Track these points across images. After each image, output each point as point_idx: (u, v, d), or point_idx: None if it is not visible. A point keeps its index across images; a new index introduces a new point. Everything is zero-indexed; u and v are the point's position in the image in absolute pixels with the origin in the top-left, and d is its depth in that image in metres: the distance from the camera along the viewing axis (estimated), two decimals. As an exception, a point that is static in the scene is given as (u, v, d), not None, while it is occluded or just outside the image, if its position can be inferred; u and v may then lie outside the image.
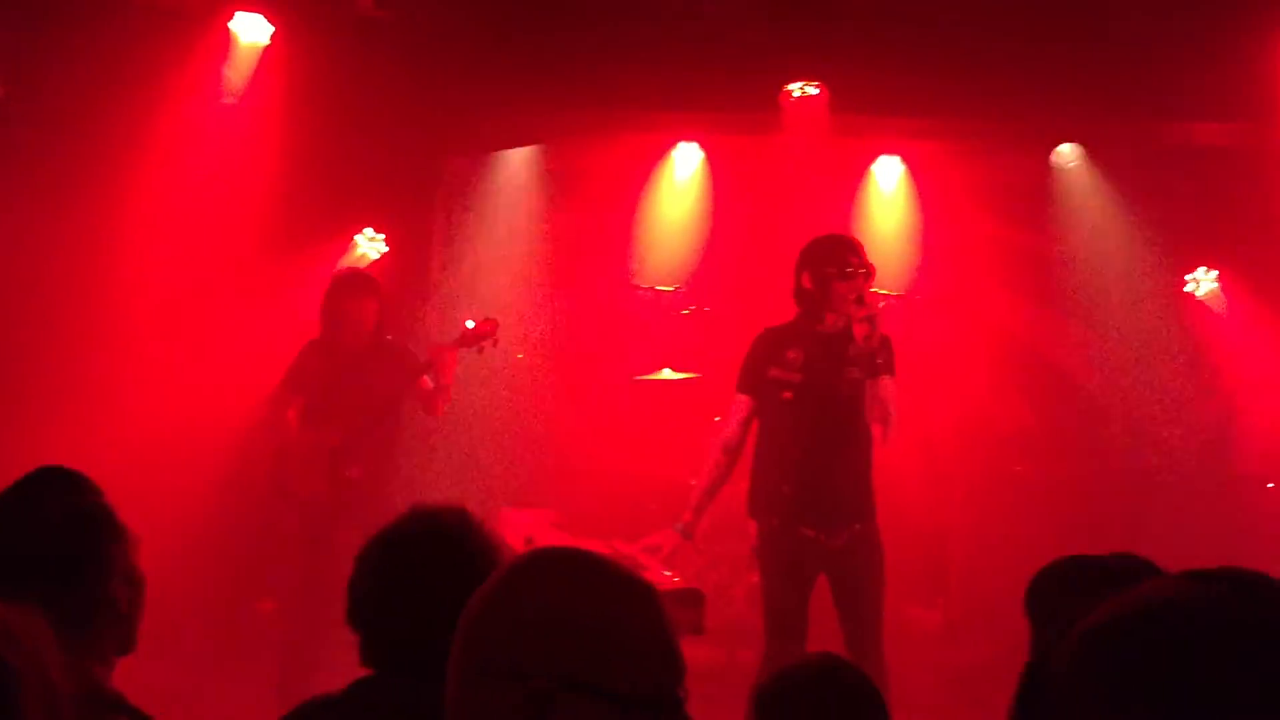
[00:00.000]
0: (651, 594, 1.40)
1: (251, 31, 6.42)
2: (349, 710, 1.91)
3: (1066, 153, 7.35)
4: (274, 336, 6.47)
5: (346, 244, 7.02)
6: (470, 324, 5.76)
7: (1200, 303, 7.08)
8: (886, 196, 7.64)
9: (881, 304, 4.71)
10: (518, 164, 7.85)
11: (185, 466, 6.25)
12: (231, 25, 6.40)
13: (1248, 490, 6.83)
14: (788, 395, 4.70)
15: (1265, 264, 6.73)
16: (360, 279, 5.97)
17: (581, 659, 1.32)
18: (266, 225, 6.59)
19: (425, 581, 1.88)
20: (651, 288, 7.36)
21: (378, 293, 5.86)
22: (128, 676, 2.17)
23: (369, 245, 7.00)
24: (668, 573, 4.51)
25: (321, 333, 5.88)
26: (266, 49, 6.44)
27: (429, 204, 7.70)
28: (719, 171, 7.71)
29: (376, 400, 5.70)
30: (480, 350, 5.79)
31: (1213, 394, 7.22)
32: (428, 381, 5.77)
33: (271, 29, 6.42)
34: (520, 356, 7.38)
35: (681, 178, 7.72)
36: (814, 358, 4.70)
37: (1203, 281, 7.06)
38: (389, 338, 5.95)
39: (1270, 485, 6.73)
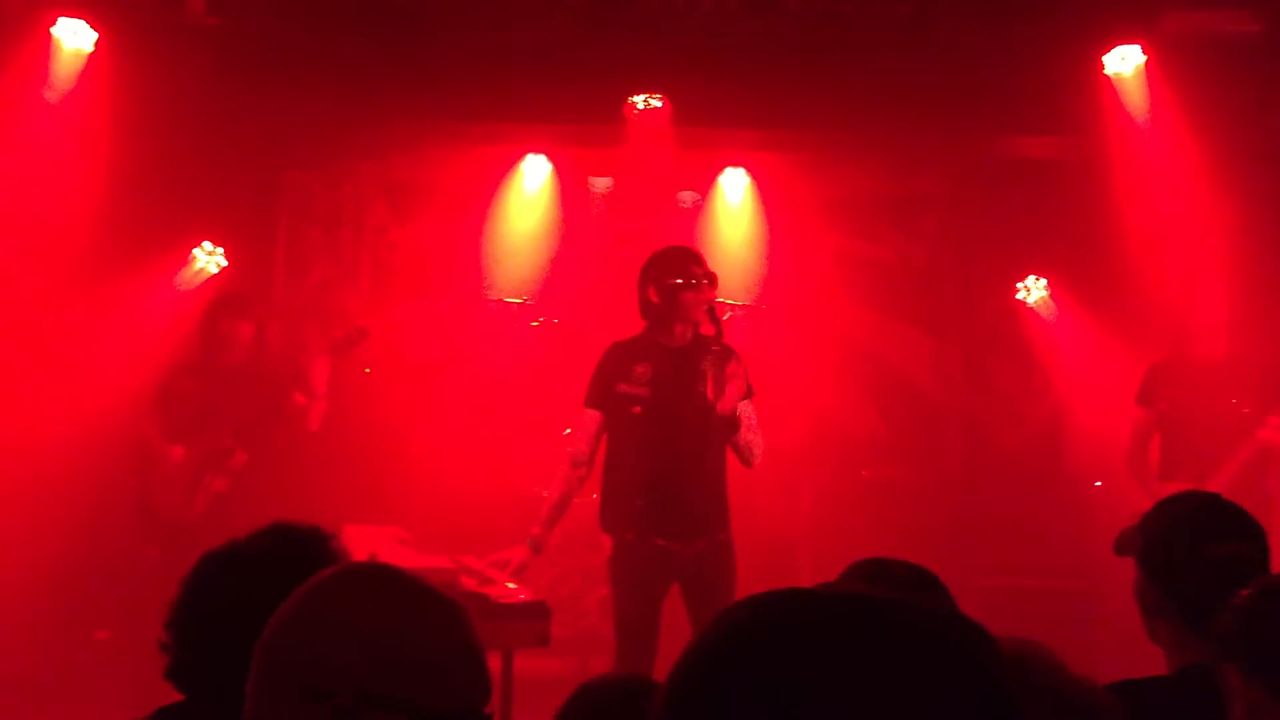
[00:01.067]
0: (457, 609, 1.37)
1: (75, 38, 6.16)
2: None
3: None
4: (108, 351, 6.23)
5: (185, 257, 6.78)
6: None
7: (1031, 309, 7.35)
8: (733, 208, 7.74)
9: (727, 315, 4.75)
10: (363, 176, 7.70)
11: (12, 488, 5.97)
12: (54, 30, 6.13)
13: (1078, 488, 7.11)
14: (636, 410, 4.70)
15: (1090, 272, 7.02)
16: (237, 301, 5.99)
17: (386, 674, 1.28)
18: (100, 237, 6.36)
19: (253, 605, 1.72)
20: (500, 300, 7.31)
21: (255, 315, 5.95)
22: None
23: (208, 259, 6.78)
24: (513, 586, 4.46)
25: (196, 353, 5.88)
26: (91, 56, 6.18)
27: (270, 217, 7.49)
28: (567, 183, 7.69)
29: (246, 417, 5.72)
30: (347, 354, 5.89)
31: (1044, 396, 7.50)
32: (301, 396, 5.75)
33: (96, 35, 6.16)
34: (368, 371, 7.23)
35: (530, 189, 7.67)
36: (662, 372, 4.71)
37: (1033, 289, 7.32)
38: (265, 357, 6.00)
39: (1098, 483, 7.00)
